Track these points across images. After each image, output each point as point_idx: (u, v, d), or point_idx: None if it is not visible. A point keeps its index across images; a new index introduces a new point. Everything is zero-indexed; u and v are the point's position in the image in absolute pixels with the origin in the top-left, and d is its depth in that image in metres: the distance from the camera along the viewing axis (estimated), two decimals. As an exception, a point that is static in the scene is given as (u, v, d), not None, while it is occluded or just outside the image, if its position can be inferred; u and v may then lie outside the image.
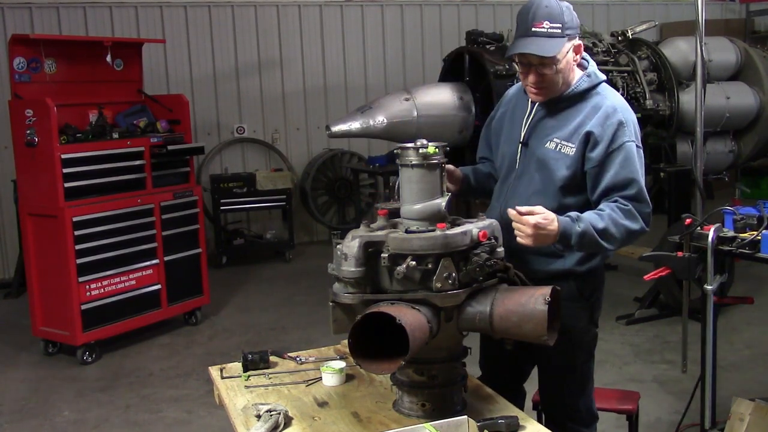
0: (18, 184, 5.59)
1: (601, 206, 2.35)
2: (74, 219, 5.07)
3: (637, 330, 5.51)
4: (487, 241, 2.09)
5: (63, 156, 5.04)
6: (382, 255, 2.02)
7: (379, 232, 2.08)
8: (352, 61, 9.05)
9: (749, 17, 10.73)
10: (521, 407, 2.40)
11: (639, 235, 2.35)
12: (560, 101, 2.46)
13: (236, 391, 2.41)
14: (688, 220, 3.27)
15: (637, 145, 2.39)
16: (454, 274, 2.00)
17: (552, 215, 2.22)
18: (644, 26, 6.60)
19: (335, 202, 8.93)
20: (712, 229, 3.14)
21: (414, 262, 1.98)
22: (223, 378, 2.53)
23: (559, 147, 2.42)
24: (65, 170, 5.06)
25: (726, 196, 7.74)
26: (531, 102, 2.52)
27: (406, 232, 2.06)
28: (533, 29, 2.31)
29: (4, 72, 6.84)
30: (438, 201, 2.11)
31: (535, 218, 2.18)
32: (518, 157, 2.53)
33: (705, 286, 3.21)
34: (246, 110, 8.64)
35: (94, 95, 5.67)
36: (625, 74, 6.08)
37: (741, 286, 5.91)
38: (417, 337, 1.86)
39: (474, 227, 2.10)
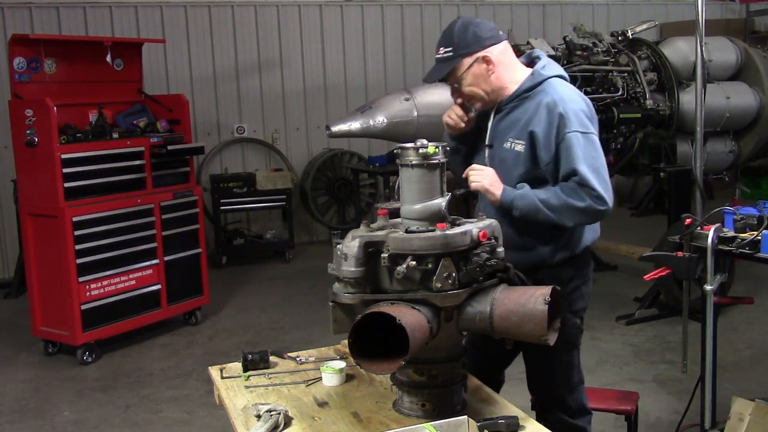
0: (18, 184, 5.59)
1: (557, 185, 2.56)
2: (74, 219, 5.07)
3: (637, 330, 5.51)
4: (487, 241, 2.09)
5: (63, 156, 5.04)
6: (382, 255, 2.02)
7: (379, 232, 2.08)
8: (352, 61, 9.05)
9: (749, 17, 10.73)
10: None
11: (591, 212, 2.50)
12: (509, 102, 2.64)
13: (236, 391, 2.41)
14: (688, 220, 3.27)
15: (581, 132, 2.50)
16: (454, 274, 2.00)
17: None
18: (644, 26, 6.60)
19: (335, 202, 8.94)
20: (712, 229, 3.14)
21: (414, 262, 1.98)
22: (223, 378, 2.53)
23: (513, 146, 2.60)
24: (65, 170, 5.06)
25: (726, 196, 7.74)
26: (492, 109, 2.72)
27: (406, 232, 2.06)
28: (436, 56, 2.64)
29: (4, 72, 6.84)
30: (438, 201, 2.11)
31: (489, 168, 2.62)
32: (486, 160, 2.72)
33: (705, 286, 3.21)
34: (246, 110, 8.64)
35: (94, 95, 5.67)
36: (625, 74, 6.08)
37: (741, 286, 5.91)
38: (417, 337, 1.86)
39: (474, 227, 2.10)
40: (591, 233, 2.77)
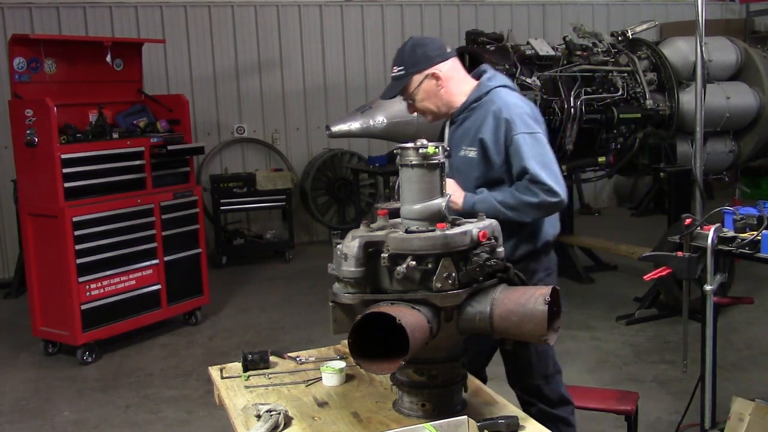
0: (18, 184, 5.59)
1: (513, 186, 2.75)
2: (74, 219, 5.08)
3: (637, 330, 5.51)
4: (487, 241, 2.09)
5: (63, 156, 5.04)
6: (382, 255, 2.02)
7: (379, 232, 2.08)
8: (352, 61, 9.05)
9: (749, 17, 10.73)
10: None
11: (545, 206, 2.66)
12: (460, 114, 2.86)
13: (236, 391, 2.41)
14: (688, 220, 3.27)
15: (527, 133, 2.68)
16: (454, 274, 2.00)
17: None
18: (644, 26, 6.61)
19: (335, 202, 8.94)
20: (712, 229, 3.14)
21: (414, 262, 1.98)
22: (223, 378, 2.53)
23: (465, 153, 2.82)
24: (65, 170, 5.06)
25: (726, 196, 7.75)
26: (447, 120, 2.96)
27: (406, 232, 2.06)
28: (391, 75, 2.86)
29: (4, 72, 6.84)
30: (438, 201, 2.11)
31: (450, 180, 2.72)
32: (447, 167, 2.85)
33: (705, 286, 3.21)
34: (246, 110, 8.64)
35: (94, 95, 5.67)
36: (625, 74, 6.08)
37: (741, 286, 5.91)
38: (417, 337, 1.86)
39: (474, 227, 2.10)
40: (551, 228, 2.90)
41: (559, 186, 2.65)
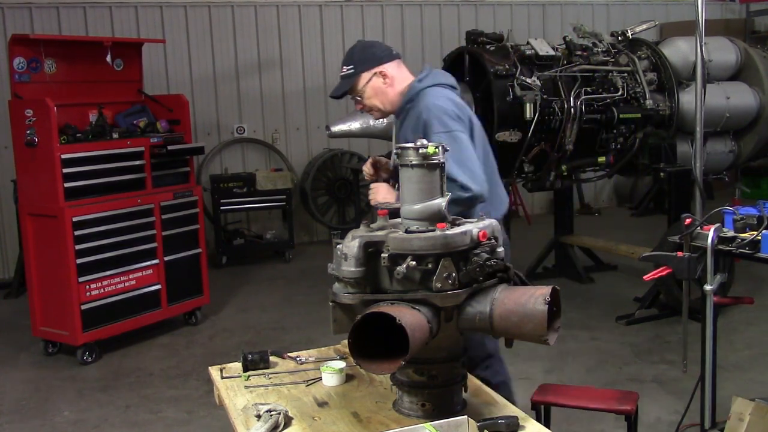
0: (18, 184, 5.59)
1: None
2: (74, 219, 5.07)
3: (637, 330, 5.51)
4: (487, 241, 2.09)
5: (63, 156, 5.04)
6: (382, 255, 2.02)
7: (379, 232, 2.08)
8: (352, 61, 9.03)
9: (749, 17, 10.73)
10: None
11: (461, 201, 2.74)
12: (400, 113, 3.06)
13: (236, 391, 2.41)
14: (688, 220, 3.27)
15: (443, 132, 2.81)
16: (454, 274, 2.00)
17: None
18: (644, 26, 6.61)
19: (335, 202, 8.93)
20: (712, 229, 3.14)
21: (414, 262, 1.98)
22: (223, 378, 2.53)
23: None
24: (65, 170, 5.06)
25: (726, 196, 7.75)
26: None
27: (406, 232, 2.06)
28: (340, 74, 3.06)
29: (4, 72, 6.84)
30: (438, 201, 2.11)
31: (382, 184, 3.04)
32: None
33: (705, 286, 3.21)
34: (246, 110, 8.64)
35: (94, 95, 5.67)
36: (625, 74, 6.08)
37: (741, 286, 5.91)
38: (417, 337, 1.86)
39: (474, 227, 2.10)
40: (494, 212, 2.95)
41: (473, 182, 2.75)
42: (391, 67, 3.03)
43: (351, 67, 3.01)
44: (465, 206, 2.84)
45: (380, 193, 3.01)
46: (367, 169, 3.23)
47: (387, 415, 2.15)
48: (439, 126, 2.82)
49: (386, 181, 3.16)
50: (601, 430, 3.86)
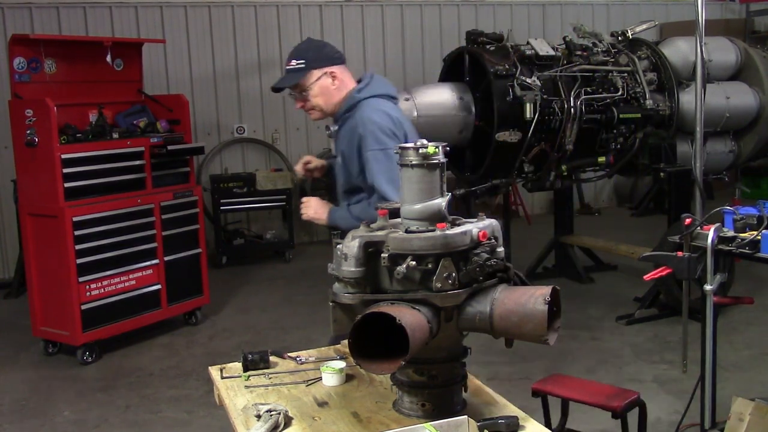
0: (18, 184, 5.59)
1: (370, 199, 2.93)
2: (74, 219, 5.08)
3: (637, 330, 5.51)
4: (487, 241, 2.09)
5: (63, 156, 5.04)
6: (382, 255, 2.02)
7: (379, 232, 2.08)
8: (352, 61, 8.98)
9: (749, 17, 10.73)
10: None
11: None
12: (338, 120, 3.05)
13: (236, 391, 2.41)
14: (688, 220, 3.27)
15: (378, 149, 2.84)
16: (454, 274, 2.00)
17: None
18: (644, 26, 6.61)
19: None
20: (712, 229, 3.14)
21: (414, 262, 1.98)
22: (223, 378, 2.53)
23: (339, 158, 3.05)
24: (65, 170, 5.06)
25: (726, 196, 7.75)
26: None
27: (406, 232, 2.06)
28: (286, 68, 3.03)
29: (4, 72, 6.84)
30: (438, 201, 2.11)
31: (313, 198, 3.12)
32: (336, 168, 3.15)
33: (705, 286, 3.21)
34: (246, 110, 8.64)
35: (94, 95, 5.67)
36: (625, 74, 6.08)
37: (741, 286, 5.91)
38: (417, 337, 1.86)
39: (474, 227, 2.09)
40: None
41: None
42: (339, 70, 3.02)
43: (302, 61, 2.98)
44: None
45: (311, 208, 3.05)
46: (299, 168, 3.25)
47: (387, 415, 2.15)
48: (374, 143, 2.84)
49: (322, 184, 3.23)
50: (602, 430, 3.86)
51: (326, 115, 3.09)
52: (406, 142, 2.87)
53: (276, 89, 3.11)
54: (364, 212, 2.84)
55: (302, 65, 2.98)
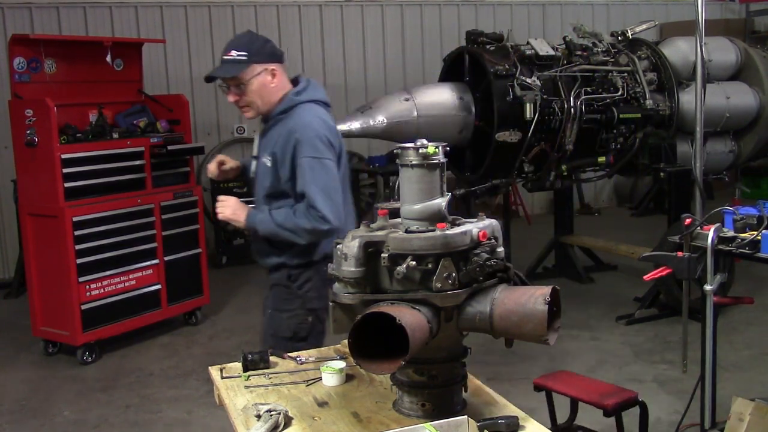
0: (18, 184, 5.59)
1: (295, 206, 2.86)
2: (74, 219, 5.08)
3: (637, 330, 5.51)
4: (487, 241, 2.09)
5: (63, 156, 5.04)
6: (382, 255, 2.02)
7: (379, 232, 2.08)
8: (352, 61, 9.05)
9: (749, 17, 10.73)
10: None
11: (316, 232, 2.81)
12: (269, 120, 2.96)
13: (236, 391, 2.41)
14: (688, 220, 3.27)
15: (313, 157, 2.80)
16: (454, 274, 2.00)
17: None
18: (644, 26, 6.61)
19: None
20: (712, 229, 3.14)
21: (414, 262, 1.98)
22: (223, 378, 2.53)
23: (265, 161, 2.93)
24: (65, 170, 5.06)
25: (726, 196, 7.75)
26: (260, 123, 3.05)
27: (406, 232, 2.06)
28: (223, 58, 2.88)
29: (4, 72, 6.83)
30: (438, 201, 2.11)
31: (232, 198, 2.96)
32: (253, 169, 3.08)
33: (705, 286, 3.21)
34: (246, 110, 8.63)
35: (94, 95, 5.67)
36: (625, 74, 6.08)
37: (741, 286, 5.91)
38: (417, 337, 1.86)
39: (474, 227, 2.09)
40: (328, 244, 2.94)
41: (333, 214, 2.77)
42: (279, 69, 2.93)
43: (244, 54, 2.85)
44: (320, 238, 2.86)
45: (230, 208, 2.94)
46: (212, 167, 3.15)
47: (387, 415, 2.15)
48: (310, 150, 2.79)
49: (234, 189, 3.15)
50: (602, 430, 3.85)
51: (259, 114, 2.97)
52: (340, 152, 2.94)
53: (210, 79, 2.95)
54: (289, 219, 2.82)
55: (243, 58, 2.85)
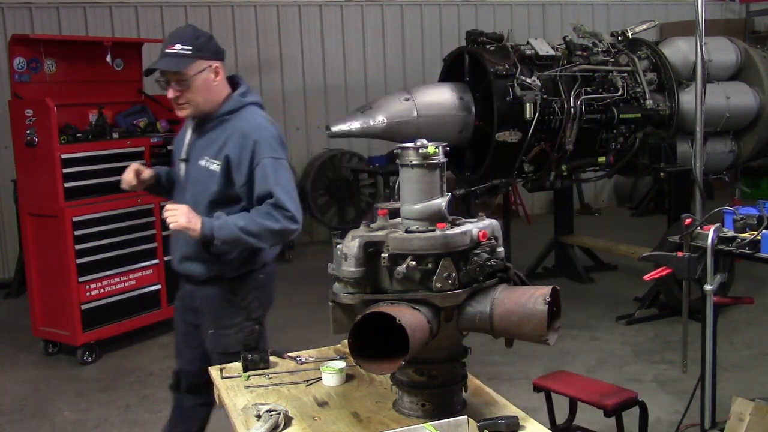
0: (18, 184, 5.59)
1: (251, 210, 2.72)
2: (74, 219, 5.08)
3: (637, 330, 5.51)
4: (487, 241, 2.09)
5: (63, 156, 5.04)
6: (382, 255, 2.02)
7: (379, 232, 2.08)
8: (352, 61, 9.05)
9: (749, 17, 10.73)
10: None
11: (285, 233, 2.71)
12: (209, 121, 2.81)
13: (236, 391, 2.41)
14: (688, 220, 3.27)
15: (274, 158, 2.72)
16: (454, 274, 2.00)
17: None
18: (644, 26, 6.61)
19: (335, 202, 8.93)
20: (712, 229, 3.14)
21: (414, 262, 1.98)
22: (223, 378, 2.53)
23: (208, 164, 2.77)
24: (65, 170, 5.06)
25: (726, 196, 7.75)
26: (190, 122, 2.89)
27: (406, 232, 2.06)
28: (166, 50, 2.73)
29: (4, 72, 6.83)
30: (438, 201, 2.11)
31: (184, 206, 2.69)
32: (183, 173, 2.92)
33: (705, 286, 3.21)
34: (246, 110, 8.63)
35: (94, 95, 5.67)
36: (625, 74, 6.08)
37: (741, 286, 5.91)
38: (417, 337, 1.86)
39: (474, 227, 2.10)
40: (271, 251, 2.94)
41: (299, 214, 2.71)
42: (222, 67, 2.81)
43: (189, 48, 2.70)
44: (286, 239, 2.77)
45: (185, 216, 2.66)
46: (130, 177, 2.94)
47: (387, 415, 2.15)
48: (270, 151, 2.71)
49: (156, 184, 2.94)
50: (602, 430, 3.85)
51: (197, 113, 2.81)
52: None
53: (150, 71, 2.79)
54: (252, 222, 2.67)
55: (188, 52, 2.70)
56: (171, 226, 2.68)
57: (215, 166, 2.75)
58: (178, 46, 2.70)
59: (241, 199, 2.76)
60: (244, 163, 2.71)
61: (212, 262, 2.82)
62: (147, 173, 2.98)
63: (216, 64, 2.77)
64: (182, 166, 2.92)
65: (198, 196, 2.79)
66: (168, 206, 2.72)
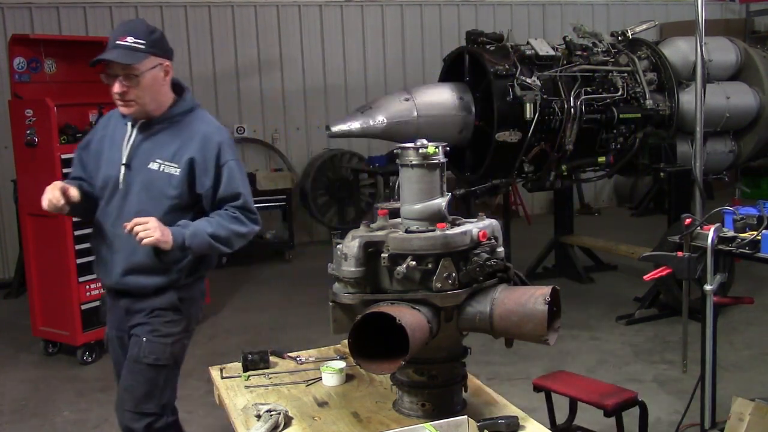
0: (18, 184, 5.59)
1: (211, 215, 2.65)
2: (74, 219, 5.07)
3: (637, 330, 5.51)
4: (487, 241, 2.09)
5: (63, 156, 5.03)
6: (382, 255, 2.02)
7: (379, 232, 2.08)
8: (352, 61, 9.05)
9: (749, 17, 10.73)
10: None
11: (249, 235, 2.69)
12: (156, 123, 2.69)
13: (236, 391, 2.41)
14: (688, 220, 3.27)
15: (237, 160, 2.71)
16: (454, 274, 2.00)
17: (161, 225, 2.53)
18: (644, 26, 6.61)
19: (335, 202, 8.93)
20: (712, 229, 3.14)
21: (414, 262, 1.98)
22: (223, 378, 2.53)
23: (162, 168, 2.65)
24: (65, 170, 5.04)
25: (726, 196, 7.76)
26: (131, 125, 2.72)
27: (406, 232, 2.06)
28: (117, 42, 2.60)
29: (4, 72, 6.84)
30: (438, 201, 2.11)
31: (152, 219, 2.52)
32: (121, 179, 2.70)
33: (705, 286, 3.21)
34: (246, 110, 8.64)
35: (94, 95, 5.64)
36: (625, 74, 6.08)
37: (741, 286, 5.91)
38: (417, 337, 1.86)
39: (474, 227, 2.10)
40: (214, 260, 2.90)
41: (257, 215, 2.70)
42: (171, 68, 2.69)
43: (142, 42, 2.58)
44: (247, 241, 2.71)
45: (157, 230, 2.48)
46: (56, 198, 2.57)
47: (387, 415, 2.15)
48: (232, 153, 2.68)
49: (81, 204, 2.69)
50: (602, 430, 3.85)
51: (142, 113, 2.66)
52: None
53: (96, 62, 2.67)
54: (220, 227, 2.59)
55: (141, 46, 2.57)
56: (144, 241, 2.48)
57: (173, 170, 2.63)
58: (130, 39, 2.58)
59: (194, 206, 2.67)
60: (210, 164, 2.63)
61: (164, 272, 2.68)
62: (74, 192, 2.64)
63: (167, 62, 2.66)
64: (122, 171, 2.69)
65: (148, 203, 2.63)
66: (136, 220, 2.51)
